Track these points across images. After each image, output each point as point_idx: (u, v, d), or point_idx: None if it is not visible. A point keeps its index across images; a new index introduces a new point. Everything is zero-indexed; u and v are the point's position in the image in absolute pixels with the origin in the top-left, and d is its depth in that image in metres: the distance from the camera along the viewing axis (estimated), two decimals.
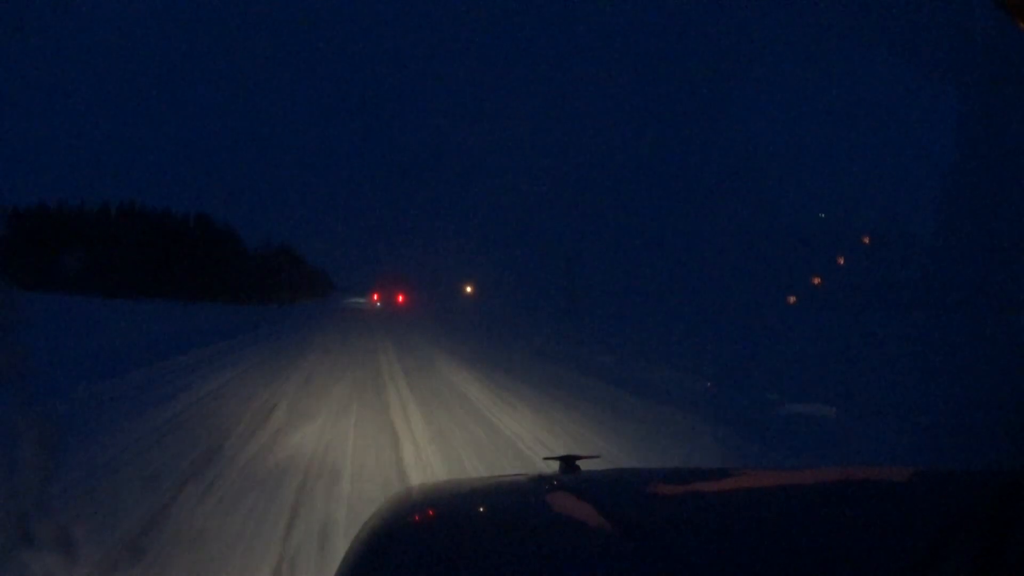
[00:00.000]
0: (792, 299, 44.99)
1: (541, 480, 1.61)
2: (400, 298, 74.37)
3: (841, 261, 46.84)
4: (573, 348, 18.65)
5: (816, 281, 46.54)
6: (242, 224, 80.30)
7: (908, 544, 1.01)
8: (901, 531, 1.09)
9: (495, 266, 62.79)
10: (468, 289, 62.58)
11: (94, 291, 41.63)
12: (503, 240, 76.04)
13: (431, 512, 1.43)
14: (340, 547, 3.54)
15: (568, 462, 1.73)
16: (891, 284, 34.96)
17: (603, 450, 6.03)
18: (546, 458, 1.94)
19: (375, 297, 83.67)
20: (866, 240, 46.07)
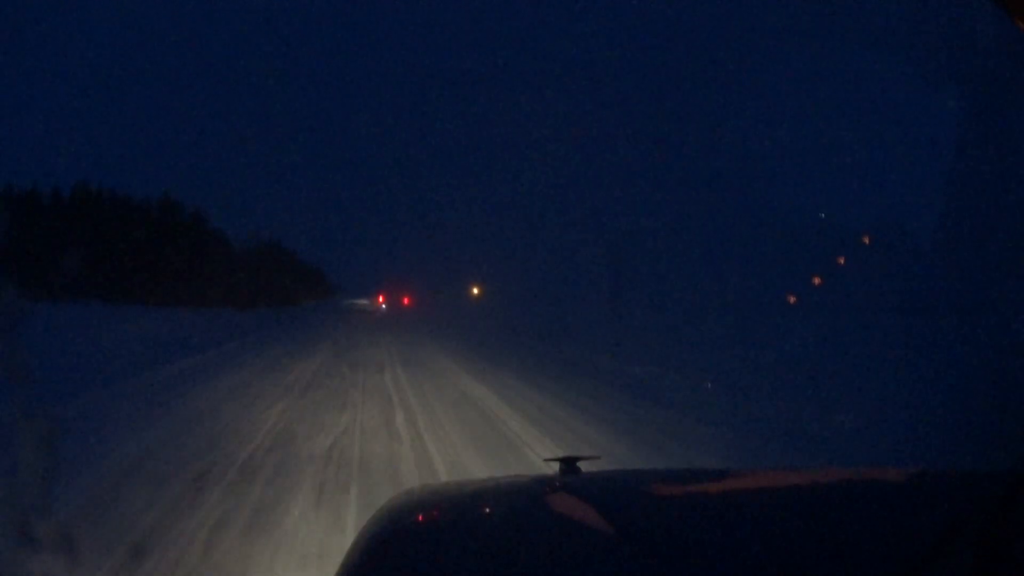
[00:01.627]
0: (792, 299, 44.90)
1: (542, 481, 1.61)
2: (406, 300, 74.90)
3: (842, 261, 46.76)
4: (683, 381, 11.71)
5: (816, 281, 46.47)
6: (238, 223, 78.77)
7: (908, 544, 1.01)
8: (901, 531, 1.09)
9: (500, 268, 62.63)
10: (475, 291, 62.35)
11: (38, 293, 31.85)
12: (507, 242, 76.10)
13: (432, 513, 1.43)
14: None
15: (569, 463, 1.73)
16: (892, 285, 34.90)
17: None
18: (547, 459, 1.94)
19: (380, 299, 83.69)
20: (866, 240, 45.99)
